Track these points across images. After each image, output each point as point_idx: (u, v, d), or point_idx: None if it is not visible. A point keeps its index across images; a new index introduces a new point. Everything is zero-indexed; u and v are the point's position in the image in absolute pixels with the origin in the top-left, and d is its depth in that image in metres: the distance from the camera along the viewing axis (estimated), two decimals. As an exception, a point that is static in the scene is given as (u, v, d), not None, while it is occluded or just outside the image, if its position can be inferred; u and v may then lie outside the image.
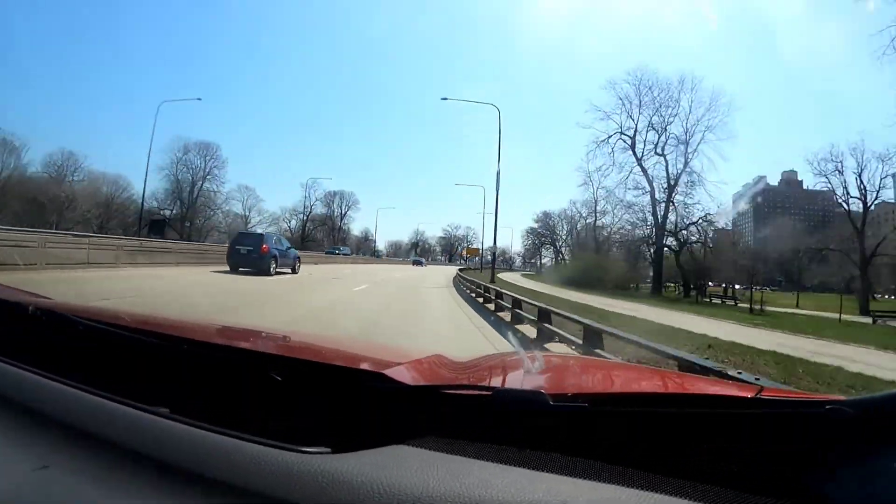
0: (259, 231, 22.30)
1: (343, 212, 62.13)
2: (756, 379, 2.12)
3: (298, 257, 18.12)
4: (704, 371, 2.84)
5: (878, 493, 0.51)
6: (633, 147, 41.54)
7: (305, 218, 58.10)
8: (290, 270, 16.66)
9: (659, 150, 40.78)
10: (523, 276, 46.58)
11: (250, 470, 0.57)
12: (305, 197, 56.85)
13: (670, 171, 39.95)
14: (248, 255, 14.69)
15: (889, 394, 0.55)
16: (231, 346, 0.88)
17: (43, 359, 0.82)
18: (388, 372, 0.71)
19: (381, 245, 68.37)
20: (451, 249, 73.93)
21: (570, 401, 0.62)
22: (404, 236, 75.84)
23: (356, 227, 66.80)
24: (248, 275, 13.86)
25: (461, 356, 1.06)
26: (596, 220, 49.19)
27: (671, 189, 39.90)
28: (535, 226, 61.59)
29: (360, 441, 0.61)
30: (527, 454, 0.59)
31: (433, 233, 75.36)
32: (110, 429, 0.65)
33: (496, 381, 0.70)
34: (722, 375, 2.54)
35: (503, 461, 0.59)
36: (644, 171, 41.02)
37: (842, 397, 0.58)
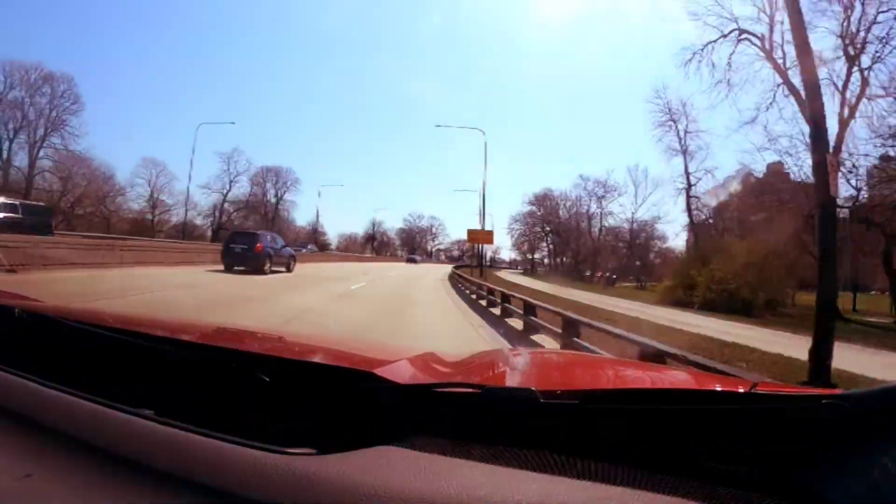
0: (253, 230, 21.53)
1: (280, 193, 47.16)
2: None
3: (294, 255, 18.09)
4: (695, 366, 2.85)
5: (875, 488, 0.50)
6: (766, 49, 21.12)
7: (222, 198, 42.64)
8: (284, 269, 16.68)
9: (855, 47, 19.29)
10: (525, 277, 35.88)
11: (234, 472, 0.56)
12: (194, 152, 37.95)
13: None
14: (243, 253, 14.83)
15: (886, 387, 0.54)
16: (218, 347, 0.87)
17: (29, 362, 0.81)
18: (379, 371, 0.70)
19: (331, 238, 55.08)
20: (413, 243, 60.76)
21: (561, 398, 0.62)
22: (358, 228, 61.96)
23: (301, 217, 53.70)
24: (243, 274, 13.90)
25: (454, 354, 1.05)
26: (689, 186, 32.20)
27: (850, 113, 19.40)
28: (529, 209, 45.90)
29: (347, 442, 0.61)
30: (517, 453, 0.58)
31: (392, 223, 61.64)
32: (94, 432, 0.64)
33: (487, 379, 0.69)
34: (713, 370, 2.55)
35: (493, 461, 0.58)
36: (795, 92, 18.62)
37: (838, 391, 0.58)
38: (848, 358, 6.68)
